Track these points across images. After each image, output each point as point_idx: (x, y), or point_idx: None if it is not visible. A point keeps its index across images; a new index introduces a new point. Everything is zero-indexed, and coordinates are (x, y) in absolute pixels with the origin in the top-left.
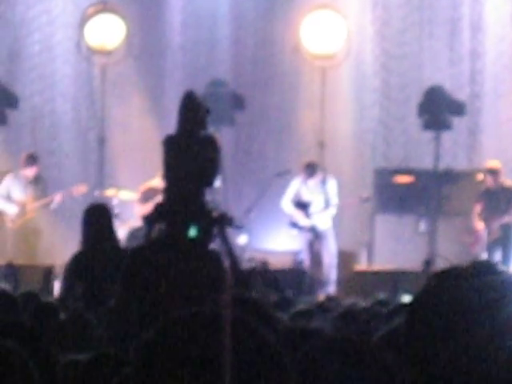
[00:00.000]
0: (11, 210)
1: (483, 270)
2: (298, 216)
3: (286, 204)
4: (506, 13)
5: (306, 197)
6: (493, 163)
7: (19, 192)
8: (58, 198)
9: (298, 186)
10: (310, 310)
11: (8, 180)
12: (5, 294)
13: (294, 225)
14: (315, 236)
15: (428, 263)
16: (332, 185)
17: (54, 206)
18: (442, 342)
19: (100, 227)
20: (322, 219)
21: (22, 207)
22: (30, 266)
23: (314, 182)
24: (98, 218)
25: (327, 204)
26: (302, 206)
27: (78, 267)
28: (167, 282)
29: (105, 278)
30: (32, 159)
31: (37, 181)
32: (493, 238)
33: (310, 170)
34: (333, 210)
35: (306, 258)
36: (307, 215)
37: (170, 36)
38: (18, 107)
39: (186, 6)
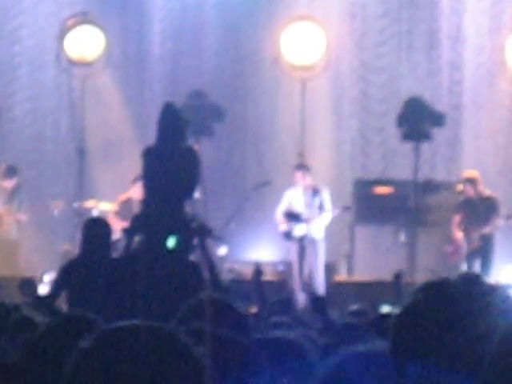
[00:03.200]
0: None
1: (469, 281)
2: (291, 226)
3: (279, 215)
4: (484, 24)
5: (299, 207)
6: (471, 173)
7: None
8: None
9: (291, 197)
10: (286, 323)
11: None
12: None
13: (287, 235)
14: (307, 245)
15: (398, 277)
16: (326, 194)
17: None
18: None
19: (95, 239)
20: (316, 227)
21: None
22: (5, 277)
23: (307, 192)
24: (94, 230)
25: (321, 212)
26: (294, 216)
27: (68, 274)
28: (147, 292)
29: (92, 288)
30: (11, 171)
31: (14, 193)
32: (472, 248)
33: (302, 168)
34: (328, 216)
35: (295, 267)
36: (301, 223)
37: (149, 47)
38: None
39: (165, 17)
